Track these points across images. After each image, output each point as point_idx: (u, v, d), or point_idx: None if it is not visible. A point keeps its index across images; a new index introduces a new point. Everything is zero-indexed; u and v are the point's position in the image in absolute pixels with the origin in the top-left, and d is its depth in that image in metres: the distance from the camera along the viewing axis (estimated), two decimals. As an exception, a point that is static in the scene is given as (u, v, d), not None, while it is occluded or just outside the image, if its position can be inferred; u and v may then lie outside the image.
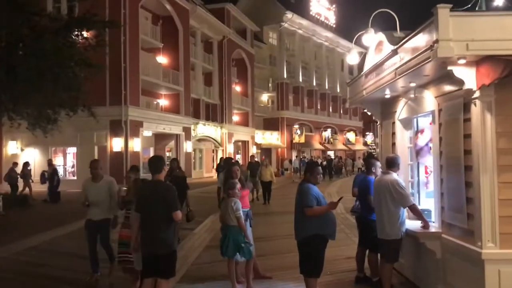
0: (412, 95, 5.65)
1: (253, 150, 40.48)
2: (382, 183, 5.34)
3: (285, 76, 46.48)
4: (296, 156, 42.52)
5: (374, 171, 6.03)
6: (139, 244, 4.76)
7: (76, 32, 12.62)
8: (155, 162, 4.86)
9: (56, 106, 12.38)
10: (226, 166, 8.17)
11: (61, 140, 22.84)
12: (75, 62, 11.89)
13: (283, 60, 46.79)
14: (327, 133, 51.58)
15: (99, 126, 22.14)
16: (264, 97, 47.54)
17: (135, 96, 24.18)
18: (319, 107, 52.45)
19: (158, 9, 28.08)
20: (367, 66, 6.29)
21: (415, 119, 5.98)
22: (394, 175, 5.33)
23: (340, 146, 54.17)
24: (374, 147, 54.71)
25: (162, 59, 28.83)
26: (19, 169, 18.12)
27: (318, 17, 51.66)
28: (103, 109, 22.37)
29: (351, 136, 56.72)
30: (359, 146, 58.19)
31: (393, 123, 6.44)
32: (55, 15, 12.38)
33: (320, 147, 50.36)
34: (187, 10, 29.70)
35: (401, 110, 6.14)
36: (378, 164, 6.11)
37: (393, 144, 6.46)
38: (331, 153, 50.50)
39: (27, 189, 17.81)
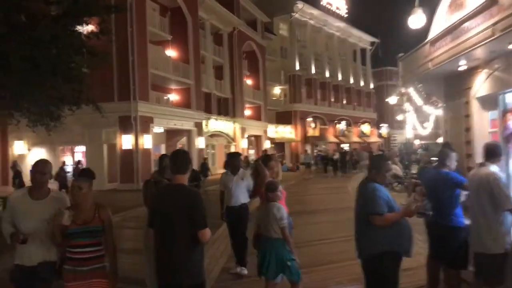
0: (498, 65, 4.35)
1: (266, 144, 39.23)
2: (476, 179, 4.06)
3: (297, 68, 45.07)
4: (306, 151, 40.72)
5: (448, 164, 4.74)
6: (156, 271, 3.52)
7: (77, 19, 11.39)
8: (179, 159, 3.56)
9: (57, 100, 11.18)
10: (231, 162, 6.85)
11: (69, 138, 21.97)
12: (75, 51, 10.68)
13: (294, 51, 45.35)
14: (342, 126, 50.10)
15: (107, 123, 21.13)
16: (276, 90, 46.17)
17: (144, 90, 23.04)
18: (332, 99, 50.96)
19: (165, 0, 26.85)
20: (434, 32, 4.98)
21: (501, 96, 4.68)
22: (492, 168, 4.04)
23: (354, 138, 52.72)
24: (396, 137, 52.83)
25: (171, 52, 27.63)
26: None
27: (329, 7, 50.11)
28: (112, 105, 21.31)
29: (365, 128, 55.18)
30: (374, 138, 56.66)
31: (467, 102, 5.14)
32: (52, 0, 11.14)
33: (335, 140, 48.93)
34: (195, 0, 28.43)
35: (481, 86, 4.84)
36: (454, 155, 4.81)
37: (467, 129, 5.16)
38: (345, 146, 49.01)
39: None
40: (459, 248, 4.40)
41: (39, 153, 23.25)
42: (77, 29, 11.50)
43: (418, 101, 23.14)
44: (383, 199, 3.90)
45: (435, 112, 18.44)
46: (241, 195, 6.58)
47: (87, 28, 11.65)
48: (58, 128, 13.19)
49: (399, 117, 51.22)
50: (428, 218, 4.77)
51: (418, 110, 33.34)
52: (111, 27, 13.38)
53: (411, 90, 22.47)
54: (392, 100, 26.22)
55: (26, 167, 23.16)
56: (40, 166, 3.85)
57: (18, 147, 23.15)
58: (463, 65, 4.74)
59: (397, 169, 17.76)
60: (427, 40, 5.10)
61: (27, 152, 23.22)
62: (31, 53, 9.38)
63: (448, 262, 4.69)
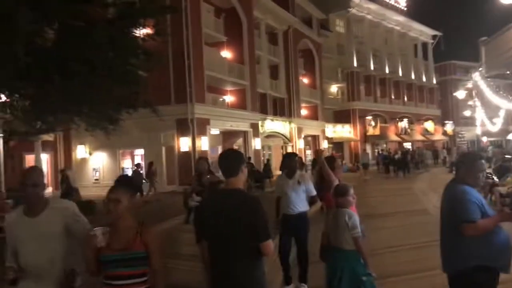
0: None
1: (324, 144, 38.36)
2: None
3: (355, 65, 43.75)
4: (364, 150, 38.87)
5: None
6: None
7: (133, 21, 11.35)
8: (229, 159, 3.07)
9: (114, 103, 11.18)
10: (288, 163, 6.09)
11: (129, 142, 22.43)
12: (131, 53, 10.62)
13: (352, 48, 44.04)
14: (403, 124, 48.06)
15: (165, 125, 21.37)
16: (333, 88, 45.06)
17: (200, 93, 23.07)
18: (393, 96, 49.08)
19: (220, 1, 26.83)
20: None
21: None
22: None
23: (418, 137, 50.45)
24: (464, 134, 49.78)
25: (226, 53, 27.56)
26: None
27: (388, 1, 48.40)
28: (169, 108, 21.53)
29: (429, 125, 52.63)
30: (439, 136, 53.98)
31: None
32: (109, 3, 11.17)
33: (397, 138, 47.02)
34: (250, 0, 28.20)
35: None
36: None
37: None
38: (408, 145, 46.95)
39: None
40: None
41: (100, 156, 23.99)
42: (132, 31, 11.46)
43: (489, 94, 21.56)
44: (475, 203, 3.25)
45: (508, 105, 16.97)
46: (300, 202, 5.79)
47: (143, 31, 11.58)
48: (117, 132, 13.26)
49: (467, 113, 48.41)
50: None
51: (487, 104, 31.20)
52: (166, 29, 13.29)
53: (481, 83, 20.97)
54: (460, 94, 24.66)
55: (88, 171, 23.95)
56: (32, 176, 2.98)
57: (80, 152, 23.94)
58: None
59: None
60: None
61: (88, 156, 23.97)
62: (88, 56, 9.37)
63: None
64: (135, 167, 19.49)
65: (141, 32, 11.92)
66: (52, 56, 9.39)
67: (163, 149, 22.99)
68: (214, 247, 2.97)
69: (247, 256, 2.86)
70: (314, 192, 5.93)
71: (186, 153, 22.13)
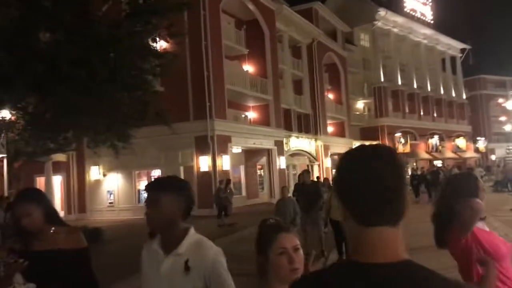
0: None
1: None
2: None
3: (381, 79, 41.74)
4: None
5: None
6: None
7: (142, 19, 9.78)
8: None
9: (121, 114, 9.52)
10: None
11: (145, 162, 21.07)
12: (138, 54, 8.97)
13: (378, 62, 42.11)
14: (434, 140, 45.59)
15: (183, 143, 19.97)
16: (359, 104, 43.04)
17: (221, 108, 21.41)
18: (422, 112, 46.71)
19: (240, 13, 25.40)
20: None
21: None
22: None
23: (449, 154, 47.82)
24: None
25: (248, 67, 26.01)
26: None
27: (414, 14, 46.60)
28: (187, 124, 20.02)
29: (461, 142, 49.97)
30: (470, 154, 51.19)
31: None
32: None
33: (427, 156, 44.54)
34: (272, 10, 26.70)
35: None
36: None
37: None
38: (438, 163, 44.34)
39: None
40: None
41: (115, 178, 22.48)
42: (141, 31, 9.89)
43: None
44: None
45: None
46: None
47: (151, 29, 9.99)
48: (129, 150, 11.66)
49: (507, 127, 45.54)
50: None
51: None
52: (182, 31, 11.68)
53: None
54: (509, 105, 22.37)
55: (102, 194, 22.53)
56: None
57: (94, 173, 22.48)
58: None
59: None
60: None
61: (102, 178, 22.47)
62: (85, 58, 7.75)
63: None
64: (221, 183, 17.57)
65: (152, 33, 10.38)
66: (43, 57, 7.82)
67: (181, 169, 21.30)
68: None
69: None
70: None
71: (206, 173, 20.41)
